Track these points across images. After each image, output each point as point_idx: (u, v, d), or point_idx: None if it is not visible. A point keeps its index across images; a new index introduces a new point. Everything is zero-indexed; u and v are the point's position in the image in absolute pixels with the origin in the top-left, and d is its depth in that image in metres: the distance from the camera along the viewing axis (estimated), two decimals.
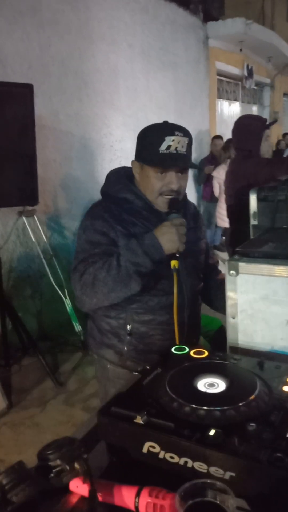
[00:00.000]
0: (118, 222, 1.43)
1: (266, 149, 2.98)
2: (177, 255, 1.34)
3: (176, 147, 1.37)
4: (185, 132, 1.41)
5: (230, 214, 3.22)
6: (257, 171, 2.75)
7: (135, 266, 1.31)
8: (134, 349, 1.49)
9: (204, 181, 6.35)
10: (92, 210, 1.51)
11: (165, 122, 1.44)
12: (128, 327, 1.48)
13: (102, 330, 1.55)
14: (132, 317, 1.47)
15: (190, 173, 6.46)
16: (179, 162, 1.39)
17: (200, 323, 1.69)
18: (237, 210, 2.95)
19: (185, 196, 1.58)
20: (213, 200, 6.19)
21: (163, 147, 1.36)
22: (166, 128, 1.40)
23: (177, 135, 1.37)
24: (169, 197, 1.43)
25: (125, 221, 1.44)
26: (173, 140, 1.36)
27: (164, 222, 1.37)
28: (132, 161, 1.50)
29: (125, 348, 1.50)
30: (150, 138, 1.41)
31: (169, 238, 1.32)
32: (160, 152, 1.37)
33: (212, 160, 6.32)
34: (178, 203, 1.43)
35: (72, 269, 1.44)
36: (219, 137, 6.57)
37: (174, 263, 1.34)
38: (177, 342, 1.35)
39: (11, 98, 2.86)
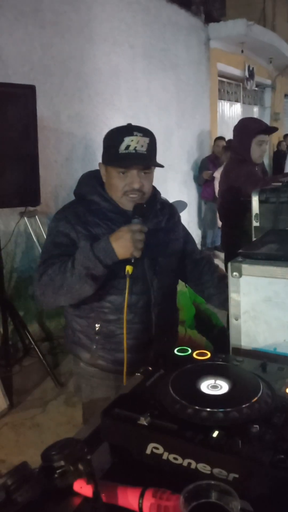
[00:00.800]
0: (79, 223, 1.46)
1: (258, 154, 2.85)
2: (132, 260, 1.34)
3: (135, 147, 1.39)
4: (146, 133, 1.44)
5: (222, 217, 3.24)
6: (247, 182, 2.68)
7: (87, 269, 1.32)
8: (102, 347, 1.53)
9: (204, 182, 6.36)
10: (59, 212, 1.54)
11: (128, 124, 1.46)
12: (96, 326, 1.51)
13: (74, 329, 1.59)
14: (99, 316, 1.51)
15: (191, 173, 6.49)
16: (138, 161, 1.41)
17: (174, 322, 1.73)
18: (229, 213, 2.98)
19: (157, 197, 1.60)
20: (216, 200, 6.21)
21: (122, 147, 1.39)
22: (126, 129, 1.43)
23: (136, 135, 1.40)
24: (133, 196, 1.44)
25: (88, 222, 1.47)
26: (132, 140, 1.39)
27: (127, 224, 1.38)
28: (99, 163, 1.54)
29: (94, 347, 1.53)
30: (111, 140, 1.45)
31: (123, 243, 1.32)
32: (120, 152, 1.40)
33: (215, 160, 6.35)
34: (142, 208, 1.43)
35: (36, 269, 1.47)
36: (221, 138, 6.59)
37: (128, 268, 1.34)
38: (124, 350, 1.38)
39: (14, 99, 2.86)
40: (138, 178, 1.43)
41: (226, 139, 6.30)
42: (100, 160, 1.53)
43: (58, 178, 4.05)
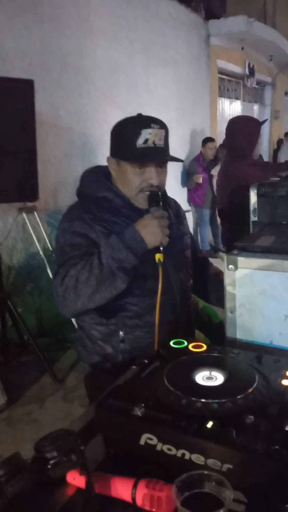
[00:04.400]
0: (97, 222, 1.37)
1: (259, 150, 3.06)
2: (161, 248, 1.26)
3: (154, 141, 1.31)
4: (161, 124, 1.35)
5: (222, 213, 3.26)
6: (248, 173, 2.78)
7: (118, 262, 1.23)
8: (129, 356, 1.40)
9: (193, 186, 6.10)
10: (70, 212, 1.44)
11: (140, 115, 1.38)
12: (121, 333, 1.40)
13: (93, 338, 1.46)
14: (123, 322, 1.39)
15: (178, 175, 6.32)
16: (158, 156, 1.33)
17: (193, 320, 1.66)
18: (229, 210, 3.01)
19: (165, 191, 1.53)
20: (205, 205, 6.11)
21: (140, 141, 1.30)
22: (141, 121, 1.33)
23: (154, 127, 1.31)
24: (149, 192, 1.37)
25: (105, 220, 1.38)
26: (150, 133, 1.30)
27: None
28: (108, 158, 1.43)
29: (120, 357, 1.41)
30: (125, 132, 1.34)
31: (151, 230, 1.24)
32: (138, 146, 1.30)
33: (203, 162, 6.08)
34: (158, 196, 1.36)
35: (53, 274, 1.35)
36: (211, 139, 6.29)
37: (158, 256, 1.26)
38: (155, 344, 1.27)
39: (12, 93, 2.85)
40: (156, 174, 1.35)
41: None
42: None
43: (57, 173, 4.04)
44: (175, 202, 1.65)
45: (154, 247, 1.26)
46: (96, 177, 1.48)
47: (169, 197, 1.62)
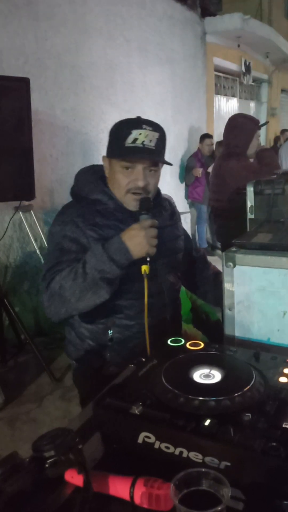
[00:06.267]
0: (89, 227, 1.36)
1: (254, 150, 3.03)
2: (147, 259, 1.25)
3: (143, 141, 1.30)
4: (156, 127, 1.35)
5: (215, 209, 3.28)
6: (241, 175, 2.80)
7: (101, 273, 1.22)
8: (117, 355, 1.42)
9: (192, 182, 6.14)
10: (63, 214, 1.42)
11: (137, 117, 1.37)
12: (109, 332, 1.41)
13: (82, 336, 1.47)
14: (113, 322, 1.40)
15: (176, 172, 6.35)
16: (144, 155, 1.32)
17: (181, 320, 1.66)
18: (223, 206, 3.03)
19: (159, 192, 1.51)
20: (205, 201, 6.13)
21: (129, 140, 1.30)
22: (135, 122, 1.34)
23: (145, 128, 1.31)
24: (137, 195, 1.35)
25: (97, 224, 1.37)
26: (140, 134, 1.30)
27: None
28: (103, 157, 1.43)
29: (108, 355, 1.42)
30: (118, 132, 1.36)
31: (137, 241, 1.23)
32: (126, 145, 1.31)
33: (202, 159, 6.13)
34: (149, 202, 1.34)
35: (41, 278, 1.35)
36: (209, 136, 6.37)
37: (144, 268, 1.24)
38: (148, 348, 1.20)
39: (7, 92, 2.83)
40: (144, 175, 1.34)
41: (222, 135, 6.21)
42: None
43: (54, 172, 4.03)
44: (170, 202, 1.63)
45: (140, 257, 1.25)
46: (90, 177, 1.47)
47: (164, 197, 1.60)
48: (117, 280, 1.27)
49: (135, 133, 1.30)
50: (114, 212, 1.40)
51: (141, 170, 1.34)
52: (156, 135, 1.34)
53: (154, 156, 1.34)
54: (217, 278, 1.62)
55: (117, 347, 1.41)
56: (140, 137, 1.30)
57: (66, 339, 1.57)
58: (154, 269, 1.36)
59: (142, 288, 1.26)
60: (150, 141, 1.32)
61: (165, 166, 1.46)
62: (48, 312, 1.32)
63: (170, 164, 1.37)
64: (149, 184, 1.37)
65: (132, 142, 1.30)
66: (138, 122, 1.33)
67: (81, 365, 1.52)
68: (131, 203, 1.37)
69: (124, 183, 1.36)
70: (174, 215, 1.59)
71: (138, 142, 1.30)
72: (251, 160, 3.07)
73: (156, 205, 1.47)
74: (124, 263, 1.23)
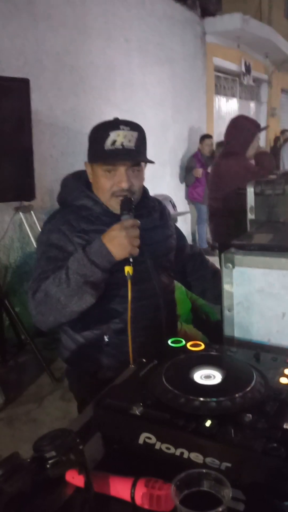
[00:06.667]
0: (76, 234, 1.34)
1: (253, 151, 3.10)
2: (130, 260, 1.21)
3: (122, 142, 1.28)
4: (133, 126, 1.33)
5: (211, 208, 3.29)
6: (240, 175, 2.84)
7: (84, 277, 1.20)
8: (114, 359, 1.39)
9: (193, 182, 6.14)
10: (49, 223, 1.41)
11: (114, 118, 1.35)
12: (105, 337, 1.39)
13: (77, 342, 1.44)
14: (109, 328, 1.38)
15: (177, 173, 6.35)
16: (125, 157, 1.30)
17: (176, 322, 1.65)
18: (221, 205, 3.05)
19: (147, 193, 1.50)
20: (205, 201, 6.13)
21: (108, 142, 1.28)
22: (112, 124, 1.32)
23: (123, 129, 1.29)
24: (122, 197, 1.33)
25: (84, 231, 1.35)
26: (118, 135, 1.28)
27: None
28: (85, 163, 1.42)
29: (105, 360, 1.40)
30: (96, 135, 1.34)
31: (118, 242, 1.20)
32: (105, 148, 1.29)
33: (202, 159, 6.13)
34: (130, 202, 1.31)
35: (28, 287, 1.33)
36: (209, 136, 6.40)
37: (128, 269, 1.21)
38: (130, 356, 1.16)
39: (7, 92, 2.84)
40: (127, 176, 1.32)
41: (222, 135, 6.22)
42: None
43: (54, 173, 4.03)
44: (160, 203, 1.61)
45: (123, 259, 1.22)
46: (75, 184, 1.45)
47: (153, 199, 1.58)
48: (102, 284, 1.25)
49: (113, 135, 1.29)
50: (100, 216, 1.38)
51: (124, 171, 1.32)
52: (135, 134, 1.32)
53: (135, 156, 1.32)
54: (215, 275, 1.62)
55: (113, 352, 1.39)
56: (118, 138, 1.29)
57: (60, 344, 1.54)
58: (147, 271, 1.36)
59: (136, 292, 1.24)
60: (129, 141, 1.30)
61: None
62: (36, 321, 1.31)
63: (152, 162, 1.35)
64: (133, 185, 1.35)
65: (112, 145, 1.29)
66: (115, 123, 1.32)
67: (76, 369, 1.51)
68: (116, 206, 1.34)
69: (108, 187, 1.34)
70: (163, 215, 1.57)
71: (117, 143, 1.29)
72: (251, 161, 3.11)
73: (145, 206, 1.46)
74: (106, 266, 1.21)
